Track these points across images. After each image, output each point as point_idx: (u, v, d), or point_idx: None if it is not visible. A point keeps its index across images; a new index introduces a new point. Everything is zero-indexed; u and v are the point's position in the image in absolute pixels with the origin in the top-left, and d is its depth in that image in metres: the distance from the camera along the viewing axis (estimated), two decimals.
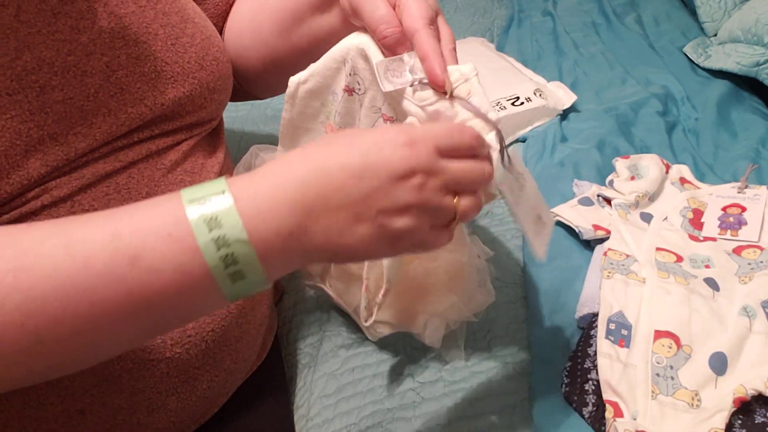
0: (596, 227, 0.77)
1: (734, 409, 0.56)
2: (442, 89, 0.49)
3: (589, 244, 0.77)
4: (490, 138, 0.48)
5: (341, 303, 0.70)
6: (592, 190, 0.83)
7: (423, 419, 0.63)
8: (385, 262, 0.57)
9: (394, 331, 0.66)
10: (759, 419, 0.56)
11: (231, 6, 0.71)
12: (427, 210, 0.43)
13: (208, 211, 0.39)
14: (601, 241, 0.76)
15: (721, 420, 0.56)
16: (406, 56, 0.50)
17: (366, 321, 0.62)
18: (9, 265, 0.38)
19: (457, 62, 0.51)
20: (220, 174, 0.63)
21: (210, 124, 0.64)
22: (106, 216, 0.40)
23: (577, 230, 0.77)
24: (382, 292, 0.59)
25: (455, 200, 0.44)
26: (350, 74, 0.55)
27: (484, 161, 0.47)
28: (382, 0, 0.51)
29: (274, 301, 0.77)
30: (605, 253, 0.72)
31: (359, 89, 0.56)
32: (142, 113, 0.55)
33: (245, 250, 0.39)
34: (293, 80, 0.58)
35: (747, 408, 0.57)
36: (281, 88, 0.60)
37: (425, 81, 0.50)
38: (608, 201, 0.81)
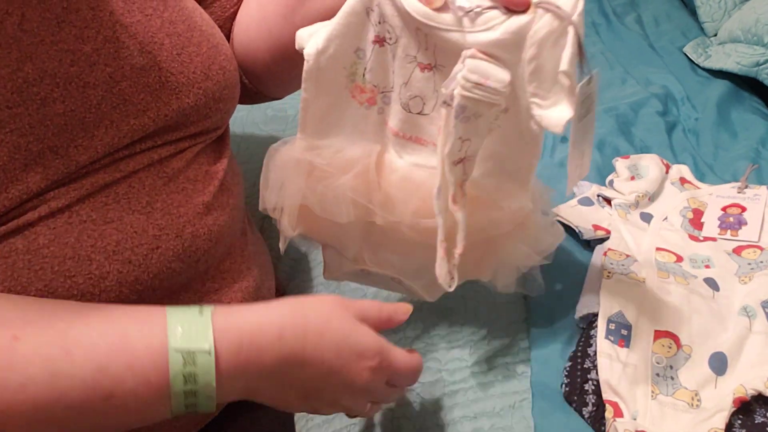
0: (596, 227, 0.77)
1: (734, 409, 0.57)
2: (526, 7, 0.47)
3: (589, 244, 0.77)
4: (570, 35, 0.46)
5: (400, 276, 0.65)
6: (592, 190, 0.83)
7: (423, 419, 0.64)
8: (459, 216, 0.53)
9: (460, 283, 0.59)
10: (759, 419, 0.56)
11: (238, 8, 0.70)
12: (347, 406, 0.53)
13: (188, 368, 0.44)
14: (601, 241, 0.76)
15: (721, 420, 0.56)
16: None
17: (451, 287, 0.56)
18: None
19: None
20: (223, 181, 0.61)
21: (215, 132, 0.62)
22: (94, 345, 0.44)
23: (577, 230, 0.77)
24: (458, 251, 0.54)
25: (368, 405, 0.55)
26: (379, 23, 0.50)
27: (402, 390, 0.59)
28: None
29: None
30: (605, 253, 0.72)
31: (390, 38, 0.51)
32: (145, 124, 0.53)
33: (209, 402, 0.45)
34: (310, 53, 0.53)
35: (747, 408, 0.57)
36: (292, 85, 0.57)
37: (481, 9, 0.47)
38: (608, 201, 0.81)
